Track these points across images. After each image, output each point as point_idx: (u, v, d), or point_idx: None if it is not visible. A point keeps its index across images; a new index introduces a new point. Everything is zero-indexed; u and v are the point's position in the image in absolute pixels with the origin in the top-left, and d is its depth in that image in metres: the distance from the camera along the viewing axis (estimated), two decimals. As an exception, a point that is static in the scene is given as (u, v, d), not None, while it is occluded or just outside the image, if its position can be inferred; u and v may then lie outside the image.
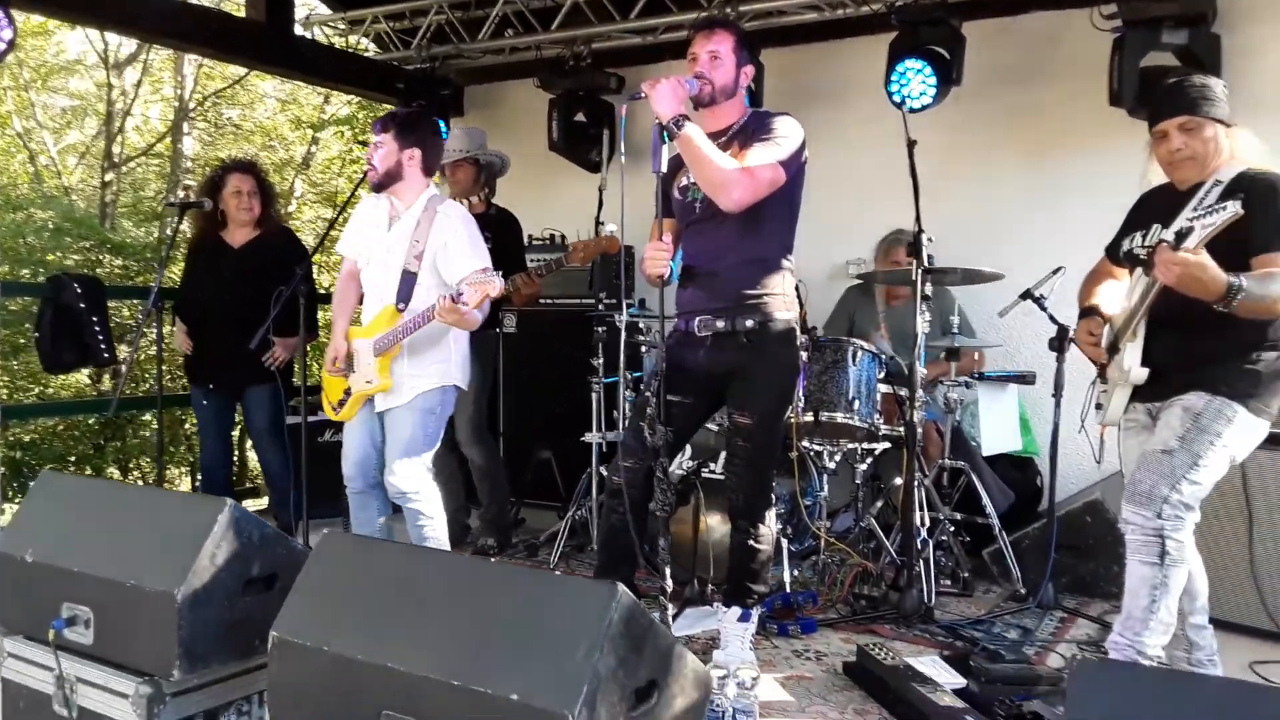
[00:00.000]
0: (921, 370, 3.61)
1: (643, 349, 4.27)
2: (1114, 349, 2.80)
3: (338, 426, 3.62)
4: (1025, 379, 4.02)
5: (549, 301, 5.07)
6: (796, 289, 3.57)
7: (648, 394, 3.04)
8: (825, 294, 4.68)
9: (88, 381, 9.67)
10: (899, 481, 3.75)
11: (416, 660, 1.85)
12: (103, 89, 11.95)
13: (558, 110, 5.35)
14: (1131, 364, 2.67)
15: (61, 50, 12.29)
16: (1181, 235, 2.35)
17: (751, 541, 3.11)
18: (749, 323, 3.01)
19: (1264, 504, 3.36)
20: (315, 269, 5.59)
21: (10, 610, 2.50)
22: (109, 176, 11.78)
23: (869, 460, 4.05)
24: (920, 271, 3.46)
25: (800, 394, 3.62)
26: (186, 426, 9.70)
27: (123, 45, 11.53)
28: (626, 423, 3.90)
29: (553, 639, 1.77)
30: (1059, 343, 3.53)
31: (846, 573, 3.78)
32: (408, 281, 3.28)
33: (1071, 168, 4.41)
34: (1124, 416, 2.84)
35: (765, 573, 3.18)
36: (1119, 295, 2.89)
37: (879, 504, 4.11)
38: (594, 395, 4.24)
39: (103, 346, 4.42)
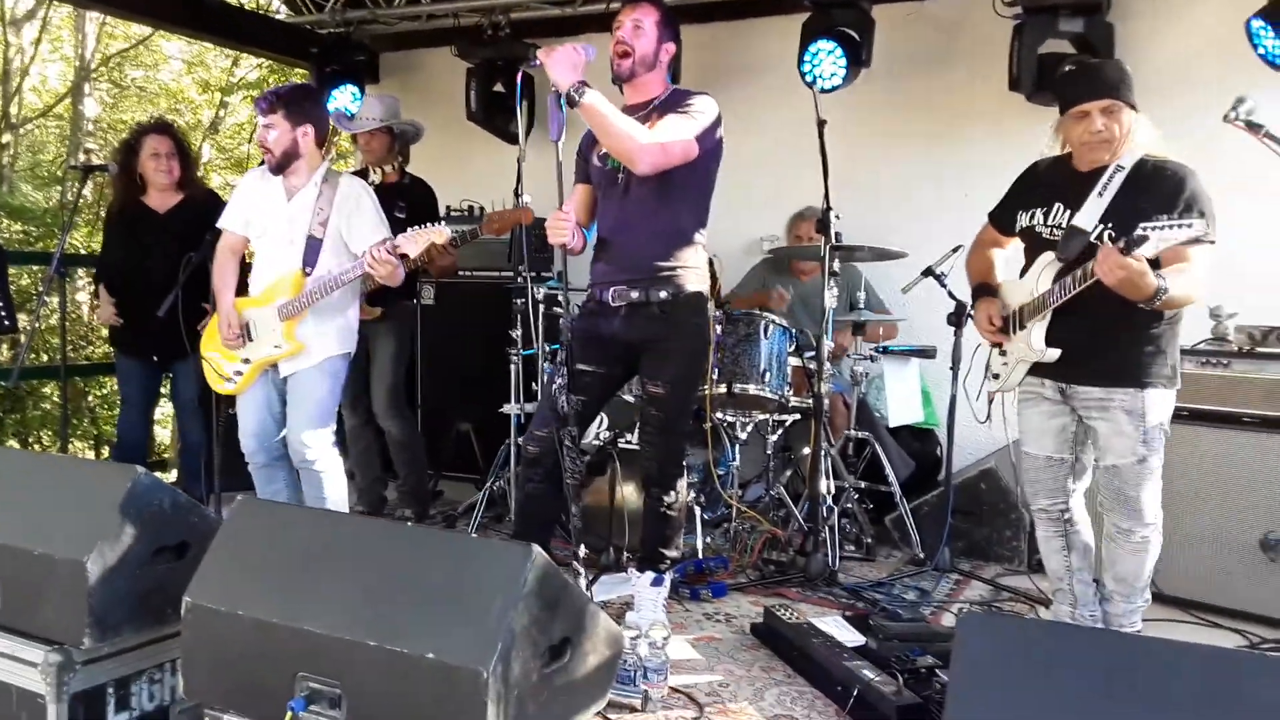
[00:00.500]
0: (830, 343, 3.74)
1: (560, 321, 4.31)
2: (1009, 324, 2.93)
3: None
4: (926, 353, 4.18)
5: (467, 274, 5.06)
6: (710, 262, 3.65)
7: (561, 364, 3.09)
8: (739, 268, 4.78)
9: (-15, 353, 9.30)
10: (807, 451, 3.88)
11: (332, 622, 1.88)
12: (-2, 46, 11.41)
13: (476, 80, 5.32)
14: (1039, 343, 2.80)
15: (-49, 4, 11.67)
16: (1134, 242, 2.41)
17: (663, 509, 3.20)
18: (662, 294, 3.07)
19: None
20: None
21: (-90, 582, 2.45)
22: (5, 138, 11.28)
23: (779, 431, 4.19)
24: (829, 248, 3.57)
25: (713, 365, 3.73)
26: (90, 398, 9.42)
27: (19, 0, 11.01)
28: (540, 393, 3.95)
29: (468, 599, 1.83)
30: (957, 318, 3.69)
31: (756, 539, 3.91)
32: (313, 247, 3.35)
33: (973, 149, 4.57)
34: (1019, 388, 2.98)
35: (677, 538, 3.27)
36: (1005, 266, 3.03)
37: (788, 473, 4.25)
38: (512, 367, 4.28)
39: (4, 314, 4.27)
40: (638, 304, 3.10)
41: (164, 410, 6.15)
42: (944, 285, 3.82)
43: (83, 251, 8.61)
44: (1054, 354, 2.80)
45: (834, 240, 3.60)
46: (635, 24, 3.08)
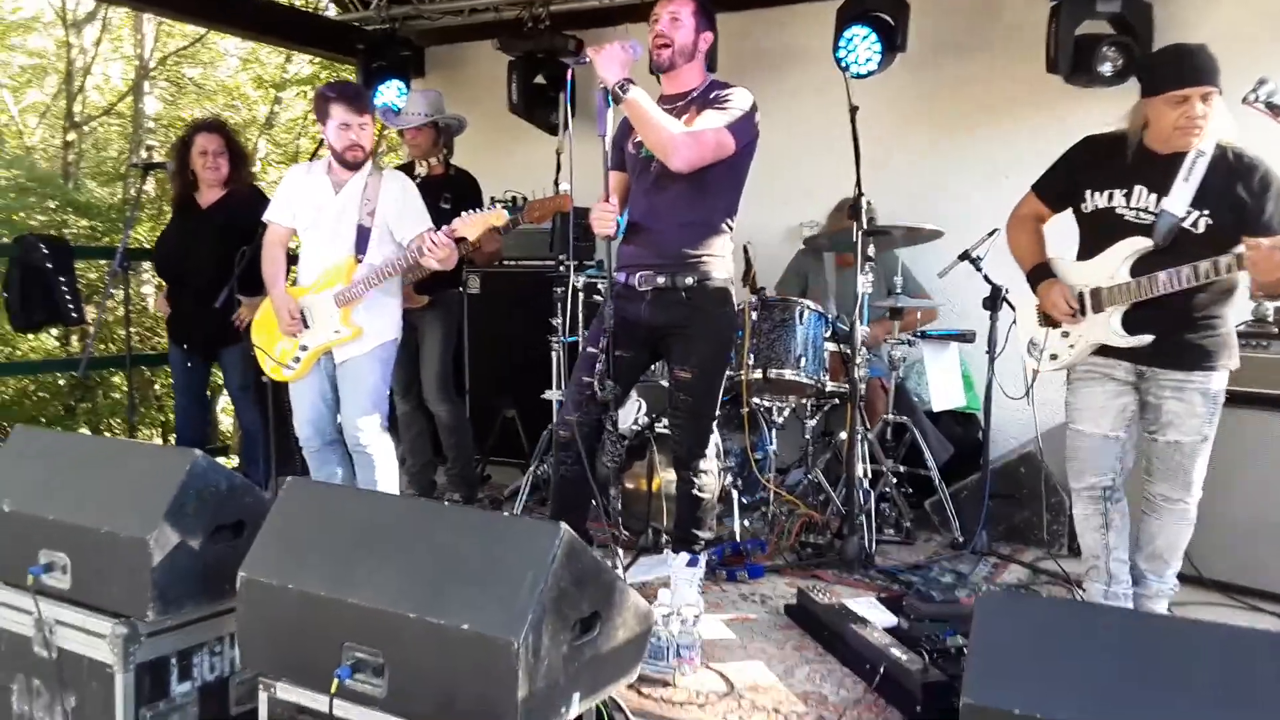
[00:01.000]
0: (865, 329, 3.78)
1: (603, 308, 4.39)
2: (1082, 305, 2.93)
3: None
4: (965, 337, 4.19)
5: (511, 262, 5.17)
6: (745, 250, 3.71)
7: (591, 350, 3.17)
8: (777, 255, 4.82)
9: (56, 344, 9.67)
10: (845, 436, 3.92)
11: (376, 595, 1.99)
12: (62, 47, 11.78)
13: (517, 72, 5.42)
14: (1119, 326, 2.85)
15: (17, 8, 12.08)
16: None
17: (695, 490, 3.27)
18: (688, 280, 3.14)
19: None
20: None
21: (-11, 559, 2.61)
22: (70, 136, 11.66)
23: (818, 416, 4.24)
24: (860, 233, 3.60)
25: (749, 351, 3.79)
26: (157, 387, 9.74)
27: (80, 2, 11.37)
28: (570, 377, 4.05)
29: (501, 574, 1.92)
30: (993, 302, 3.70)
31: (794, 523, 3.96)
32: (363, 236, 3.50)
33: (1010, 132, 4.55)
34: (1078, 366, 3.00)
35: (709, 519, 3.34)
36: (1054, 241, 3.05)
37: (826, 457, 4.29)
38: (554, 354, 4.38)
39: (70, 306, 4.49)
40: (663, 289, 3.17)
41: (227, 399, 6.37)
42: (980, 269, 3.82)
43: (146, 246, 8.91)
44: (1145, 339, 2.83)
45: (865, 225, 3.62)
46: (673, 16, 3.14)
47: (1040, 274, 3.02)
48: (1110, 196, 2.86)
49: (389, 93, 5.62)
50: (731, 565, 3.61)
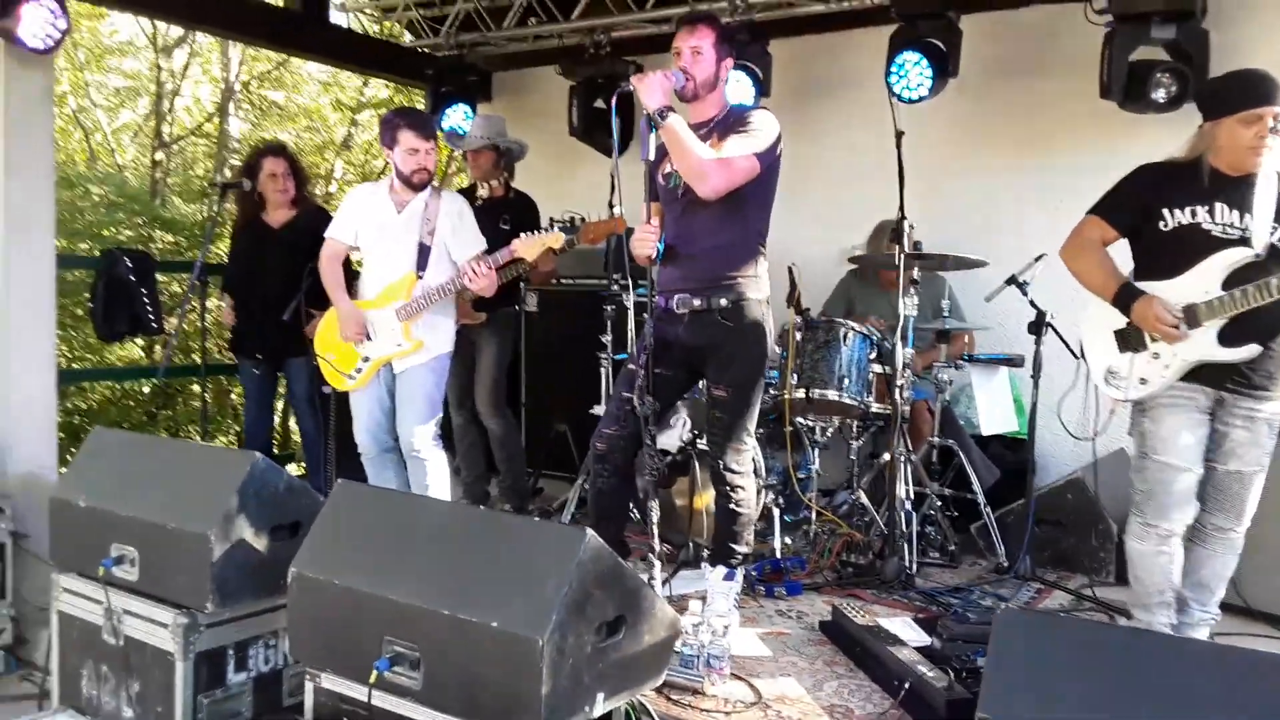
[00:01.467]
0: (909, 352, 3.81)
1: (645, 326, 4.49)
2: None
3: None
4: (1013, 362, 4.19)
5: (569, 281, 5.30)
6: (790, 270, 3.77)
7: (631, 366, 3.27)
8: (827, 277, 4.86)
9: (141, 354, 10.12)
10: (888, 457, 3.95)
11: (414, 593, 2.11)
12: (154, 70, 12.36)
13: (578, 97, 5.57)
14: (1214, 343, 2.79)
15: (114, 31, 12.71)
16: None
17: (733, 505, 3.34)
18: (723, 301, 3.23)
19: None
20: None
21: (65, 550, 2.82)
22: (159, 155, 12.20)
23: (864, 437, 4.27)
24: (904, 257, 3.65)
25: (793, 371, 3.85)
26: (233, 397, 10.13)
27: (171, 28, 11.90)
28: (610, 392, 4.14)
29: (529, 575, 2.03)
30: (1037, 327, 3.71)
31: (835, 542, 4.00)
32: (424, 254, 3.69)
33: (1063, 158, 4.54)
34: (1166, 393, 2.89)
35: (747, 533, 3.40)
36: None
37: (870, 478, 4.31)
38: (602, 370, 4.49)
39: (151, 316, 4.73)
40: (700, 311, 3.26)
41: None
42: (1025, 293, 3.83)
43: (225, 260, 9.29)
44: (1254, 349, 2.76)
45: (908, 249, 3.67)
46: (694, 50, 3.24)
47: (1131, 292, 2.88)
48: (1194, 213, 2.82)
49: (455, 116, 5.82)
50: (770, 581, 3.67)
